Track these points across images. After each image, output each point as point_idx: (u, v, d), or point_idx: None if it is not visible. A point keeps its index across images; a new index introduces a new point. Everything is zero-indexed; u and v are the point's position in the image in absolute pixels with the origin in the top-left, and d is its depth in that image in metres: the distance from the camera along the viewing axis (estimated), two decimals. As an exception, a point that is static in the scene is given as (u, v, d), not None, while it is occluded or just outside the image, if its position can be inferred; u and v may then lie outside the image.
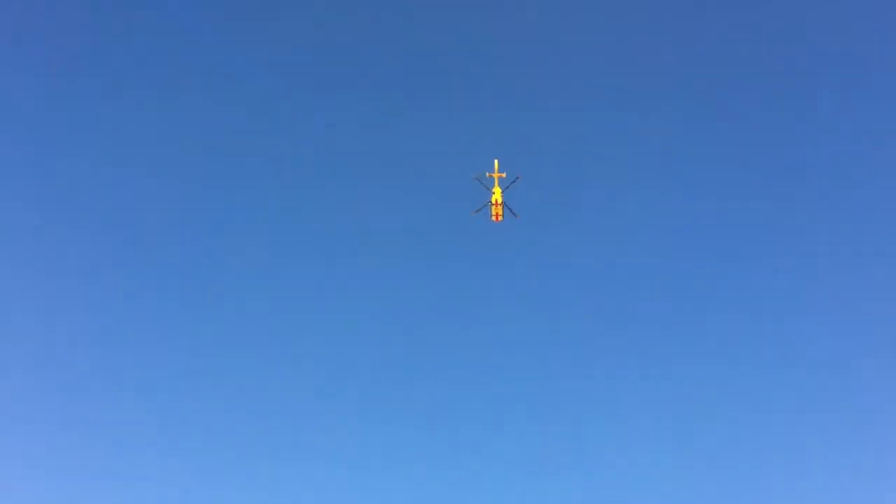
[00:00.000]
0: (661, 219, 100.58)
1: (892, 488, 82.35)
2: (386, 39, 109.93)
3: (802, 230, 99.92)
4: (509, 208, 58.73)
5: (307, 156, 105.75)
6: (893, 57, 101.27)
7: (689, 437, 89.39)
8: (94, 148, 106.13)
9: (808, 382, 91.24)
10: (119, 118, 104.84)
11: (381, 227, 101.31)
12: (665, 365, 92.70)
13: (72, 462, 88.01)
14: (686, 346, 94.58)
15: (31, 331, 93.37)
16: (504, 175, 58.28)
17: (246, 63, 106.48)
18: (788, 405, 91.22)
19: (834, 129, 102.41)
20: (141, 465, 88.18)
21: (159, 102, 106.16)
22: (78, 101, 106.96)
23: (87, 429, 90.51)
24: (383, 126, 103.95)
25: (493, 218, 58.08)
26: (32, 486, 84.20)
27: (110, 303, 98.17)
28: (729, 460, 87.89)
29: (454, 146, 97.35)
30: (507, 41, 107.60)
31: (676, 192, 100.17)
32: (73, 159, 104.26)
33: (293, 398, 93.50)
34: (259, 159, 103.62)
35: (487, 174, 58.50)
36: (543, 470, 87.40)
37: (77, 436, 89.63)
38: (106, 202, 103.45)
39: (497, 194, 58.03)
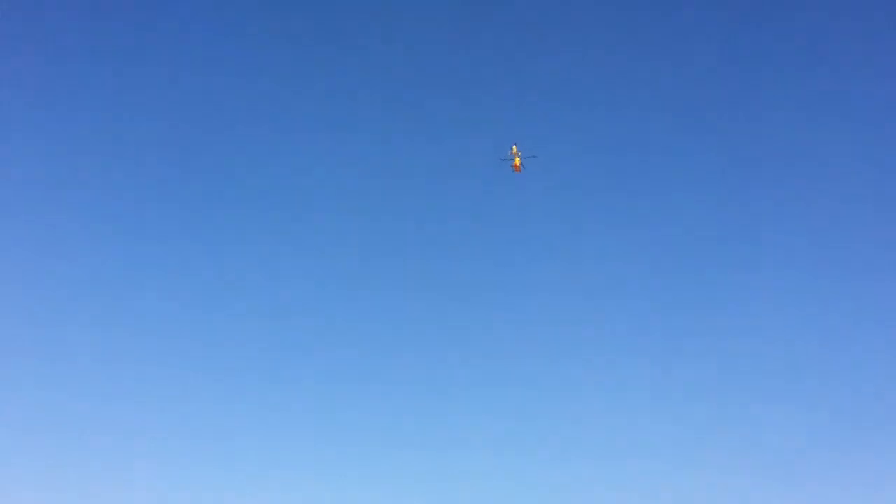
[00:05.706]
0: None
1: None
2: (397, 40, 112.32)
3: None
4: (528, 157, 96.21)
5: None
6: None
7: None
8: (94, 148, 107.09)
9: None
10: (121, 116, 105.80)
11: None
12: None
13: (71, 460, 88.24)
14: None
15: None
16: (520, 154, 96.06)
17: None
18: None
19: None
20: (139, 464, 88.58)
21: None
22: (76, 101, 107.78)
23: (87, 428, 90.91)
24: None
25: (515, 170, 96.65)
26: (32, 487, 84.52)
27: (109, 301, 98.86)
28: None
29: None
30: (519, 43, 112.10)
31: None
32: (72, 158, 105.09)
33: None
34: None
35: (509, 153, 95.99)
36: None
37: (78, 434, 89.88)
38: (105, 201, 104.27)
39: (516, 161, 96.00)
